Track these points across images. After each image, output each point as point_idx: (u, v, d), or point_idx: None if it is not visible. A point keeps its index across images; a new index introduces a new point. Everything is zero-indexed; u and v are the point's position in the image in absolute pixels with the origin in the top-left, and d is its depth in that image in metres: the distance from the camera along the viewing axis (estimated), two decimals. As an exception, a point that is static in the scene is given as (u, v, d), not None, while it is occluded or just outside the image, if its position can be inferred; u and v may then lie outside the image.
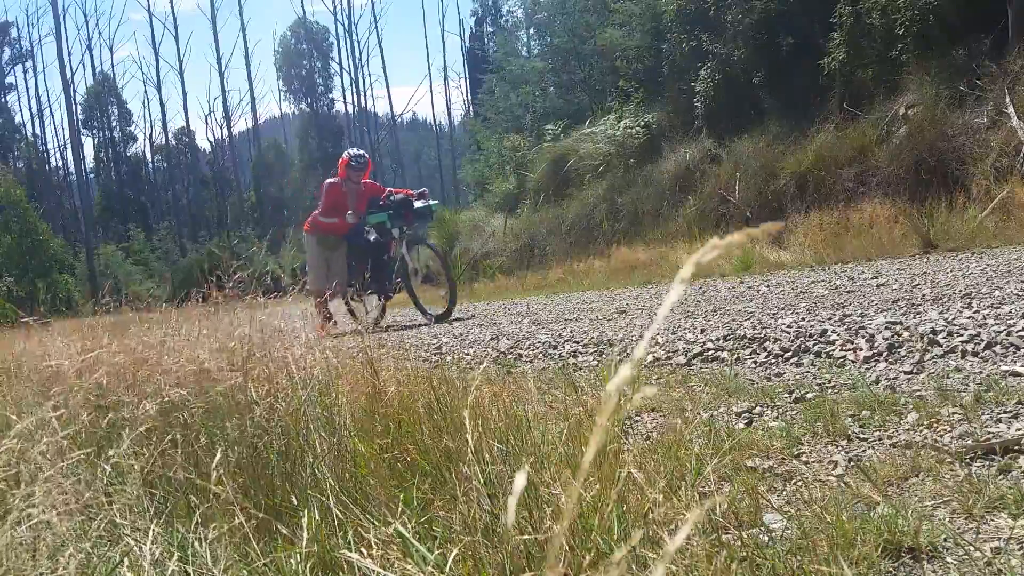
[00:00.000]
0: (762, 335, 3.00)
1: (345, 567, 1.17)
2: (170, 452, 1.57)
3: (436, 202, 7.22)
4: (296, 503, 1.38)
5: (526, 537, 1.12)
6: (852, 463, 1.61)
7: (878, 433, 1.76)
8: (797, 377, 2.44)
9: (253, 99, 70.90)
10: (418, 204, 7.00)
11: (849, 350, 2.58)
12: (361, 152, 7.42)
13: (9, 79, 48.94)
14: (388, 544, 1.14)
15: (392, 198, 6.96)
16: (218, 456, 1.37)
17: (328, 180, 7.20)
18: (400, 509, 1.20)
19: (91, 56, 69.02)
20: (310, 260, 7.29)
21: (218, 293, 2.29)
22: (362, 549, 1.10)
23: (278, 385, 1.79)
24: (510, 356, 3.77)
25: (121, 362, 2.01)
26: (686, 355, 3.02)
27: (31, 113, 71.39)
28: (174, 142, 51.33)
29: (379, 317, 7.24)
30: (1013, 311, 2.60)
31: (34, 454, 1.41)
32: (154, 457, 1.49)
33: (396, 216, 6.87)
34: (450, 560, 1.06)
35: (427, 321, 6.88)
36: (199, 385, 1.75)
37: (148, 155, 51.06)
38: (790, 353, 2.72)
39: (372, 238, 6.99)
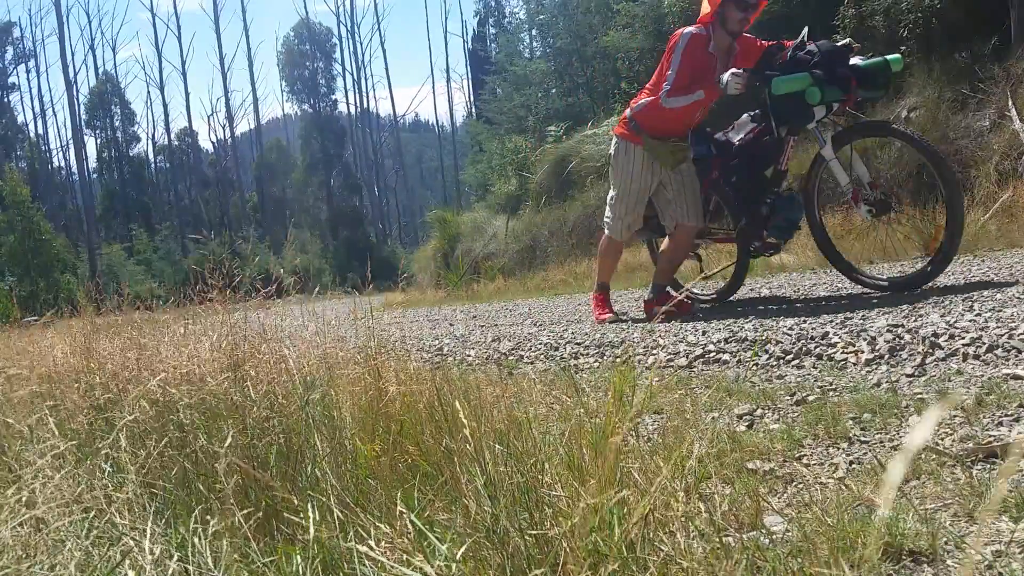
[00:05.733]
0: (763, 337, 3.00)
1: (346, 567, 1.17)
2: (168, 453, 1.57)
3: (897, 56, 3.65)
4: (296, 503, 1.38)
5: (528, 536, 1.12)
6: (853, 465, 1.60)
7: (879, 436, 1.75)
8: (798, 379, 2.44)
9: (256, 100, 71.19)
10: (857, 60, 3.63)
11: (851, 352, 2.58)
12: None
13: (12, 79, 49.10)
14: (393, 541, 1.14)
15: (811, 50, 3.69)
16: (228, 441, 1.37)
17: (685, 30, 4.09)
18: (399, 511, 1.20)
19: (94, 56, 69.23)
20: (622, 182, 4.32)
21: (208, 295, 2.29)
22: (370, 543, 1.10)
23: (276, 384, 1.79)
24: (512, 357, 3.77)
25: (116, 363, 2.01)
26: (687, 357, 3.02)
27: (34, 113, 71.68)
28: (177, 142, 51.52)
29: (732, 285, 4.53)
30: (1015, 314, 2.59)
31: (32, 454, 1.41)
32: (152, 457, 1.49)
33: (830, 80, 3.55)
34: (459, 553, 1.06)
35: (878, 289, 3.76)
36: (193, 385, 1.75)
37: (151, 155, 51.27)
38: (791, 355, 2.72)
39: (739, 138, 4.11)
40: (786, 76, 3.65)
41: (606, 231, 4.54)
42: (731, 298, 4.61)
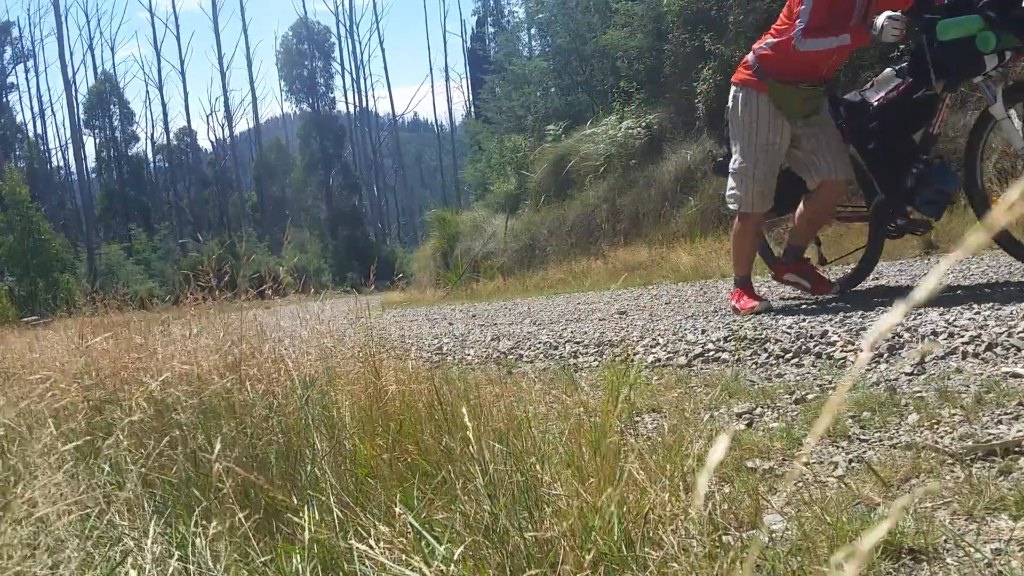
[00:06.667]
0: (763, 335, 3.00)
1: (345, 567, 1.17)
2: (168, 452, 1.57)
3: None
4: (296, 503, 1.38)
5: (527, 535, 1.12)
6: (852, 464, 1.60)
7: (879, 434, 1.75)
8: (798, 378, 2.44)
9: (255, 99, 71.16)
10: None
11: (850, 351, 2.58)
12: None
13: (11, 79, 49.10)
14: (392, 540, 1.14)
15: None
16: (217, 448, 1.37)
17: None
18: (399, 511, 1.20)
19: (92, 56, 69.00)
20: (747, 140, 3.62)
21: (202, 295, 2.28)
22: (370, 542, 1.10)
23: (275, 382, 1.79)
24: (511, 356, 3.77)
25: (115, 363, 2.01)
26: (687, 356, 3.02)
27: (32, 113, 71.63)
28: (176, 142, 51.49)
29: (861, 272, 3.86)
30: (1013, 312, 2.59)
31: (31, 453, 1.41)
32: (151, 456, 1.49)
33: (1005, 23, 3.06)
34: (457, 553, 1.06)
35: None
36: (192, 385, 1.75)
37: (150, 155, 51.25)
38: (791, 354, 2.72)
39: (879, 97, 3.54)
40: (954, 18, 3.11)
41: (733, 207, 3.75)
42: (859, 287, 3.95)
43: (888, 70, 3.62)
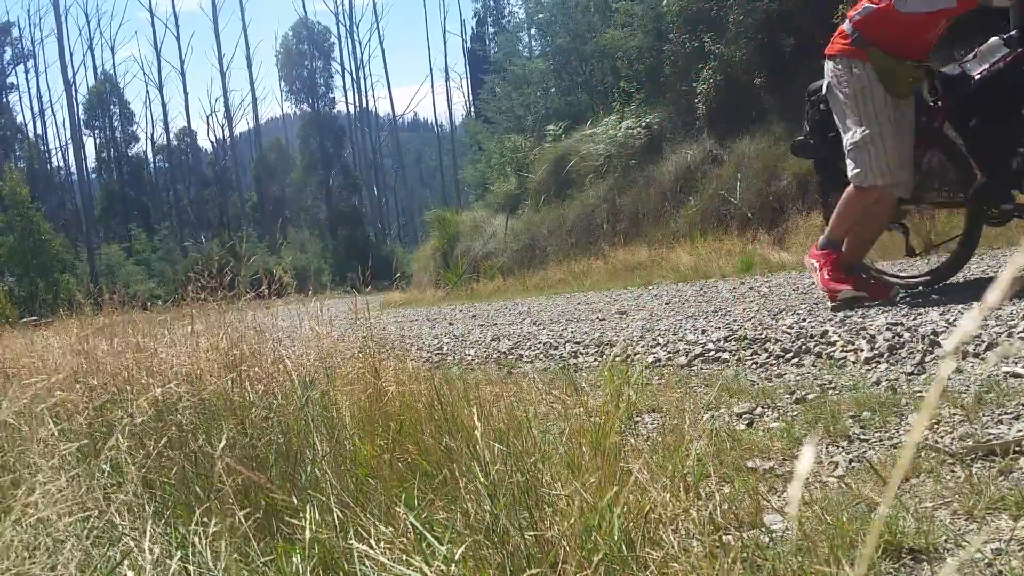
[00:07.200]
0: (763, 336, 3.00)
1: (345, 567, 1.17)
2: (167, 453, 1.57)
3: None
4: (296, 503, 1.38)
5: (527, 535, 1.12)
6: (852, 463, 1.60)
7: (879, 434, 1.75)
8: (798, 378, 2.44)
9: (255, 99, 71.17)
10: None
11: (850, 351, 2.58)
12: None
13: (11, 79, 49.11)
14: (392, 540, 1.14)
15: None
16: (221, 444, 1.37)
17: None
18: (399, 511, 1.20)
19: (92, 56, 68.94)
20: (861, 109, 3.24)
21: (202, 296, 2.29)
22: (370, 542, 1.10)
23: (275, 382, 1.79)
24: (511, 357, 3.77)
25: (114, 364, 2.01)
26: (687, 356, 3.02)
27: (33, 113, 71.68)
28: (176, 142, 51.48)
29: (956, 263, 3.51)
30: (1014, 312, 2.59)
31: (31, 454, 1.41)
32: (151, 457, 1.49)
33: None
34: (458, 553, 1.06)
35: None
36: (192, 386, 1.75)
37: (150, 155, 51.23)
38: (791, 354, 2.72)
39: (982, 70, 3.23)
40: None
41: (860, 182, 3.28)
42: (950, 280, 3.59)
43: (995, 39, 3.27)
